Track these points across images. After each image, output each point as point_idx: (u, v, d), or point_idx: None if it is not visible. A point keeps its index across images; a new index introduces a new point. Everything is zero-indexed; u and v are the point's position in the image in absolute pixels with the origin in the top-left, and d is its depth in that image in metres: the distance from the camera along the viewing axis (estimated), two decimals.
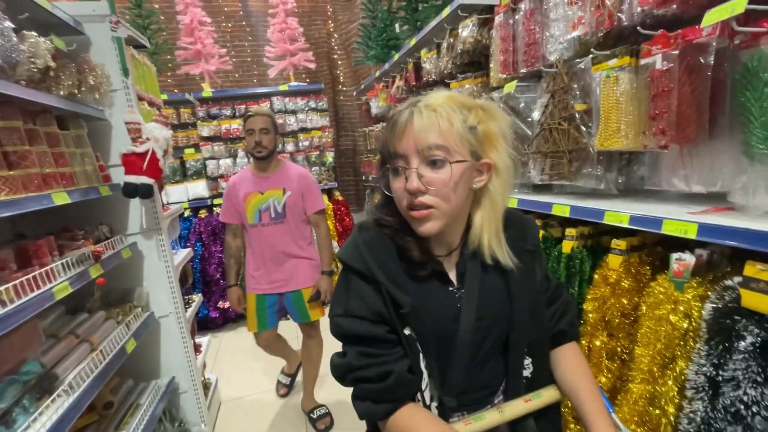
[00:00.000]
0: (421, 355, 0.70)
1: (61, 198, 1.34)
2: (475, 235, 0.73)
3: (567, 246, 1.44)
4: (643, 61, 1.15)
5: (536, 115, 1.66)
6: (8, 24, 1.17)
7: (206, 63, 3.92)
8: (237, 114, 4.04)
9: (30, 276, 1.13)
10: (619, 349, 1.23)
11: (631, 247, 1.26)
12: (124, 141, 1.78)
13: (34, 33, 1.34)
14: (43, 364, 1.23)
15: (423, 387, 0.70)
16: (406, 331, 0.69)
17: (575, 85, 1.44)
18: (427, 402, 0.71)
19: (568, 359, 0.83)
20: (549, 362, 0.82)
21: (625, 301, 1.21)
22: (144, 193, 1.71)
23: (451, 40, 2.17)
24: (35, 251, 1.25)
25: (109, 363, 1.45)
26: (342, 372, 0.71)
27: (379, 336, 0.69)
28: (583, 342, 1.33)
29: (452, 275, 0.75)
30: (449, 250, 0.76)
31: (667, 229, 1.04)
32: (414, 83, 2.79)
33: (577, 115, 1.42)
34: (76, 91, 1.62)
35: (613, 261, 1.25)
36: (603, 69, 1.28)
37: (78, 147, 1.61)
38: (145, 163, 1.73)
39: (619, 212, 1.19)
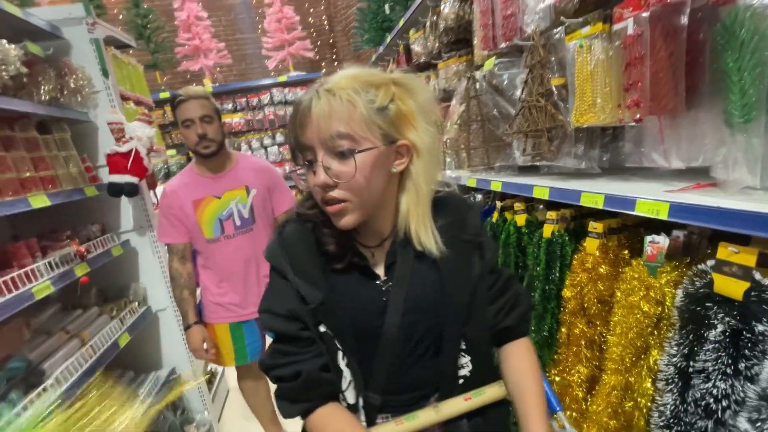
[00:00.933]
0: (340, 354, 0.68)
1: (39, 201, 1.38)
2: (402, 221, 0.69)
3: (547, 230, 1.37)
4: (615, 27, 1.05)
5: (518, 92, 1.57)
6: None
7: (205, 58, 3.94)
8: (238, 107, 4.06)
9: (6, 278, 1.18)
10: (597, 337, 1.17)
11: (610, 230, 1.18)
12: (110, 141, 1.82)
13: (3, 41, 1.37)
14: (29, 360, 1.29)
15: (344, 386, 0.68)
16: (321, 329, 0.67)
17: (553, 58, 1.34)
18: (351, 401, 0.69)
19: (514, 357, 0.78)
20: (491, 361, 0.78)
21: (602, 287, 1.14)
22: (129, 191, 1.75)
23: (434, 18, 2.07)
24: (14, 253, 1.30)
25: (99, 357, 1.52)
26: (263, 369, 0.70)
27: (291, 333, 0.67)
28: (563, 330, 1.28)
29: (381, 267, 0.72)
30: (381, 240, 0.73)
31: (640, 210, 0.96)
32: (406, 65, 2.71)
33: (554, 90, 1.33)
34: (58, 95, 1.66)
35: (590, 245, 1.18)
36: (576, 38, 1.19)
37: (62, 150, 1.65)
38: (129, 162, 1.76)
39: (594, 193, 1.11)
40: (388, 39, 2.93)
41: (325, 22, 5.10)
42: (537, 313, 1.38)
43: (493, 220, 1.74)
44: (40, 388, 1.25)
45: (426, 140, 0.66)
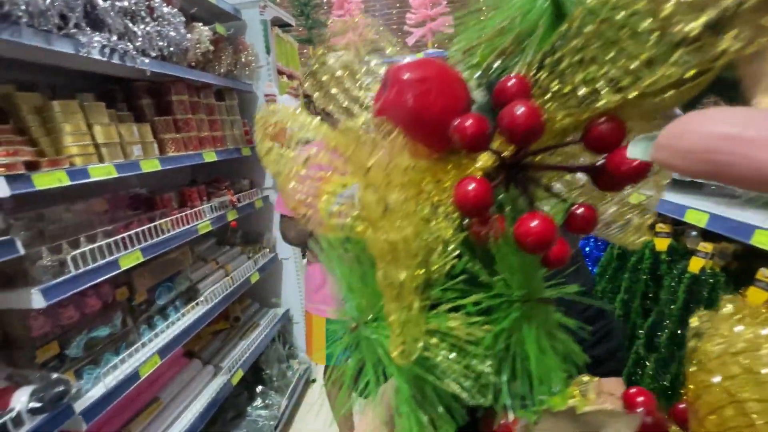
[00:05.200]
0: None
1: (210, 156, 1.72)
2: None
3: (695, 264, 1.13)
4: None
5: None
6: (180, 19, 1.51)
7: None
8: None
9: (182, 215, 1.53)
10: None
11: None
12: None
13: (200, 24, 1.70)
14: (191, 279, 1.67)
15: None
16: None
17: None
18: None
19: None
20: None
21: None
22: None
23: None
24: (189, 196, 1.67)
25: (236, 287, 1.87)
26: None
27: None
28: (690, 386, 1.06)
29: None
30: None
31: None
32: None
33: None
34: (232, 68, 2.00)
35: (755, 296, 0.93)
36: None
37: (230, 115, 2.01)
38: None
39: None
40: None
41: None
42: (660, 356, 1.17)
43: None
44: (194, 302, 1.61)
45: None
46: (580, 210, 0.17)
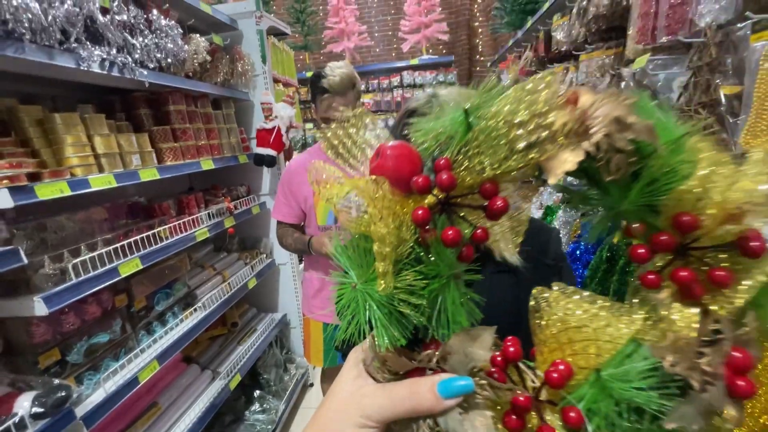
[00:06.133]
0: None
1: (207, 164, 1.75)
2: None
3: None
4: None
5: (674, 96, 1.32)
6: (177, 31, 1.55)
7: (348, 40, 4.25)
8: (370, 88, 4.31)
9: (180, 222, 1.56)
10: None
11: None
12: (261, 118, 2.16)
13: (197, 35, 1.73)
14: (189, 285, 1.70)
15: None
16: None
17: (729, 60, 1.09)
18: None
19: None
20: None
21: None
22: (269, 162, 2.08)
23: (585, 2, 1.84)
24: (187, 203, 1.70)
25: (234, 293, 1.89)
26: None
27: None
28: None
29: None
30: None
31: None
32: (543, 54, 2.49)
33: (723, 101, 1.08)
34: (229, 77, 2.04)
35: None
36: (767, 38, 0.94)
37: (226, 123, 2.04)
38: (272, 137, 2.08)
39: None
40: (529, 23, 2.71)
41: (467, 1, 4.93)
42: None
43: (615, 240, 1.54)
44: (192, 308, 1.64)
45: None
46: (479, 230, 0.32)
